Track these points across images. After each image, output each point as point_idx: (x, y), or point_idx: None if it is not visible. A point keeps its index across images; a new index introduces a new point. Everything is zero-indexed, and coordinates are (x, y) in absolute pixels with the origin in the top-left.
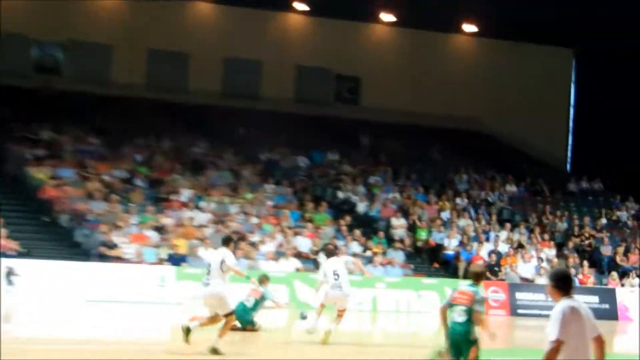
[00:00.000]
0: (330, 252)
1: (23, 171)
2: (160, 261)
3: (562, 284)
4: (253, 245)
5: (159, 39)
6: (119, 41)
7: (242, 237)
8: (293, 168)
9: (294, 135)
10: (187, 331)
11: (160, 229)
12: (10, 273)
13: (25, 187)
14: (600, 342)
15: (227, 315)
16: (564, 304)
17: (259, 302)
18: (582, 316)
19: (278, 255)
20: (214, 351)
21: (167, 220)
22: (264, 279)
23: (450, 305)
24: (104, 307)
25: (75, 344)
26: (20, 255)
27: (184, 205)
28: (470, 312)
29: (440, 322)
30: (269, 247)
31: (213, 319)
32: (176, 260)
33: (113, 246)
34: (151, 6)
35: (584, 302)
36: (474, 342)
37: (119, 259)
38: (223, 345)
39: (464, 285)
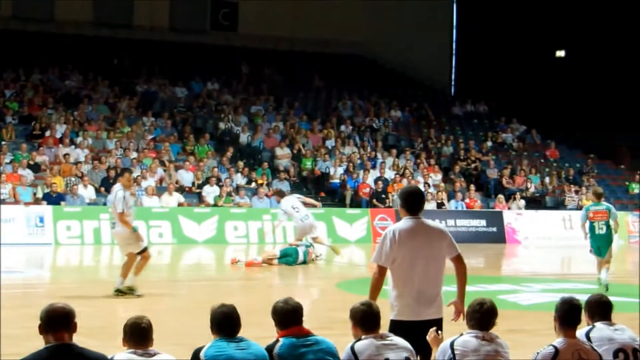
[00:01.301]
0: (281, 193)
1: None
2: (37, 200)
3: (405, 202)
4: (134, 180)
5: None
6: None
7: (122, 173)
8: (172, 99)
9: (171, 65)
10: (126, 291)
11: (35, 167)
12: None
13: None
14: (458, 262)
15: (140, 253)
16: (396, 225)
17: None
18: (419, 237)
19: (160, 190)
20: (130, 290)
21: (41, 158)
22: None
23: (589, 221)
24: None
25: None
26: None
27: (59, 141)
28: (608, 223)
29: (583, 233)
30: (150, 182)
31: (130, 261)
32: (53, 199)
33: None
34: None
35: (472, 225)
36: (611, 243)
37: None
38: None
39: (594, 206)
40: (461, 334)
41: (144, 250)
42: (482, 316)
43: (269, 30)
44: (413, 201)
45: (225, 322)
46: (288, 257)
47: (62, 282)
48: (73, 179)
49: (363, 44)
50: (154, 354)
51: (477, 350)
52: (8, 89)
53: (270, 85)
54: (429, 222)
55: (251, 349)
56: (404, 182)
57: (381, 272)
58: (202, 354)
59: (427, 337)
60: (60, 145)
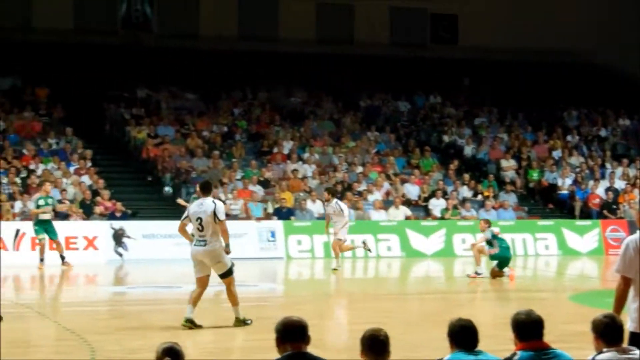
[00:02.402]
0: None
1: (122, 131)
2: (268, 216)
3: None
4: (360, 194)
5: None
6: None
7: (349, 187)
8: (395, 113)
9: (393, 80)
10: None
11: (264, 183)
12: (119, 235)
13: (126, 147)
14: None
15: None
16: (636, 235)
17: None
18: None
19: (387, 204)
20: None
21: (270, 174)
22: None
23: None
24: None
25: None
26: (126, 216)
27: (287, 157)
28: None
29: None
30: (376, 195)
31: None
32: (283, 214)
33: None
34: None
35: None
36: None
37: (227, 215)
38: None
39: None
40: None
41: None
42: None
43: (490, 42)
44: None
45: (465, 335)
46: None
47: (295, 295)
48: (301, 194)
49: (589, 50)
50: None
51: None
52: (236, 107)
53: (492, 97)
54: None
55: None
56: (635, 192)
57: (626, 282)
58: None
59: None
60: (288, 161)
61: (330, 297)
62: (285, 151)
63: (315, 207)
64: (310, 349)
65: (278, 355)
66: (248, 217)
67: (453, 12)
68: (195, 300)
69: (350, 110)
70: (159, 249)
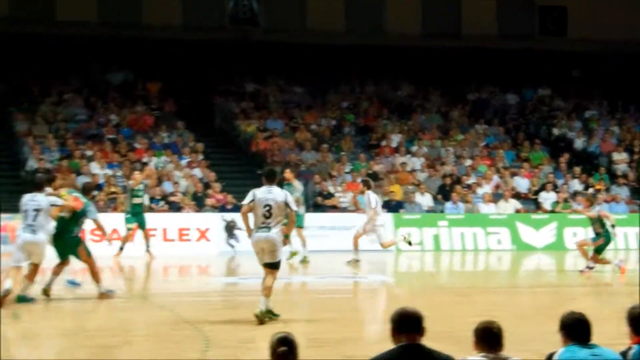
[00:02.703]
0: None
1: (232, 125)
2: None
3: None
4: (469, 188)
5: None
6: None
7: (457, 181)
8: (503, 106)
9: (501, 73)
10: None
11: (373, 176)
12: (232, 226)
13: (235, 141)
14: None
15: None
16: None
17: None
18: None
19: (496, 197)
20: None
21: (379, 167)
22: None
23: None
24: (327, 257)
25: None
26: (237, 208)
27: (395, 150)
28: None
29: None
30: (486, 189)
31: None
32: (392, 207)
33: (329, 196)
34: None
35: None
36: None
37: (335, 208)
38: None
39: None
40: None
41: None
42: None
43: (600, 34)
44: None
45: (579, 329)
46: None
47: (405, 287)
48: (410, 187)
49: None
50: (505, 359)
51: None
52: (344, 101)
53: (603, 89)
54: None
55: (605, 355)
56: None
57: None
58: (555, 358)
59: None
60: (397, 154)
61: (440, 290)
62: (394, 144)
63: (424, 199)
64: (424, 341)
65: (392, 346)
66: (357, 210)
67: (562, 3)
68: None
69: (458, 104)
70: None
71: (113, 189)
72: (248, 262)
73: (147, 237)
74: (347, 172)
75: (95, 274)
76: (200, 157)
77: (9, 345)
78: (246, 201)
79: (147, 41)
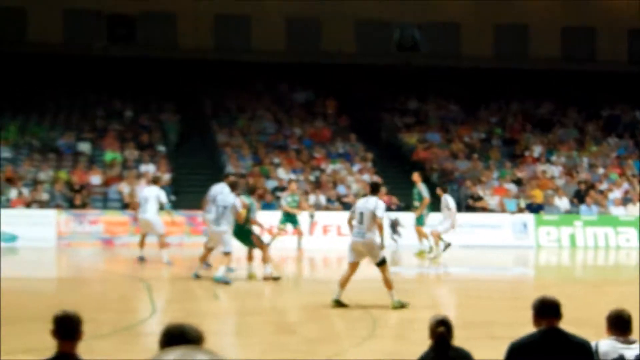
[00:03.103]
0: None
1: (396, 137)
2: (520, 210)
3: None
4: (602, 193)
5: (504, 15)
6: (466, 18)
7: (592, 186)
8: (633, 122)
9: (631, 92)
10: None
11: (517, 182)
12: (395, 224)
13: (399, 151)
14: None
15: (379, 265)
16: None
17: None
18: None
19: (625, 201)
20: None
21: (522, 174)
22: None
23: None
24: (476, 251)
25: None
26: (400, 208)
27: (537, 160)
28: None
29: None
30: (616, 194)
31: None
32: (534, 209)
33: (478, 198)
34: None
35: None
36: None
37: (484, 209)
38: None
39: None
40: None
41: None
42: None
43: None
44: None
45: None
46: None
47: (544, 278)
48: (549, 191)
49: None
50: (632, 342)
51: None
52: (493, 117)
53: None
54: None
55: None
56: None
57: None
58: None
59: None
60: (538, 163)
61: (576, 282)
62: (536, 154)
63: (562, 203)
64: (561, 325)
65: (534, 330)
66: (503, 211)
67: None
68: (344, 282)
69: (592, 119)
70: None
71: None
72: (408, 254)
73: (300, 234)
74: (494, 178)
75: (265, 259)
76: (369, 164)
77: (210, 321)
78: (351, 211)
79: (325, 66)
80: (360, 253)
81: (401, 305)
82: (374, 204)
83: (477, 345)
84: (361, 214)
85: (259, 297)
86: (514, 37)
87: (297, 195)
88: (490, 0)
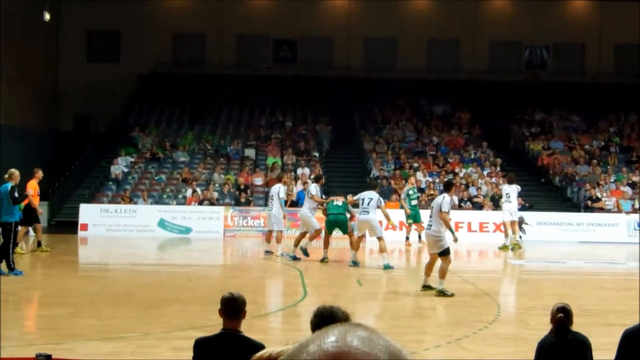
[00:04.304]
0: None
1: (523, 145)
2: (635, 210)
3: None
4: None
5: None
6: (590, 37)
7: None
8: None
9: None
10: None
11: (632, 185)
12: (520, 221)
13: (525, 157)
14: None
15: (440, 255)
16: None
17: None
18: None
19: None
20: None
21: (637, 178)
22: None
23: None
24: (594, 247)
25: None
26: (525, 208)
27: None
28: None
29: None
30: None
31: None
32: None
33: (597, 200)
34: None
35: None
36: None
37: (601, 209)
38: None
39: None
40: None
41: (443, 253)
42: None
43: None
44: None
45: None
46: None
47: None
48: None
49: None
50: None
51: None
52: (612, 127)
53: None
54: None
55: None
56: None
57: None
58: None
59: None
60: None
61: None
62: None
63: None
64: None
65: None
66: (619, 211)
67: None
68: (428, 270)
69: None
70: (549, 233)
71: (432, 192)
72: (532, 249)
73: (419, 227)
74: (611, 182)
75: (352, 244)
76: (498, 169)
77: (354, 305)
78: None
79: (461, 82)
80: (429, 244)
81: (444, 294)
82: (441, 200)
83: (594, 331)
84: (432, 208)
85: (397, 285)
86: (632, 55)
87: (415, 188)
88: (611, 21)
